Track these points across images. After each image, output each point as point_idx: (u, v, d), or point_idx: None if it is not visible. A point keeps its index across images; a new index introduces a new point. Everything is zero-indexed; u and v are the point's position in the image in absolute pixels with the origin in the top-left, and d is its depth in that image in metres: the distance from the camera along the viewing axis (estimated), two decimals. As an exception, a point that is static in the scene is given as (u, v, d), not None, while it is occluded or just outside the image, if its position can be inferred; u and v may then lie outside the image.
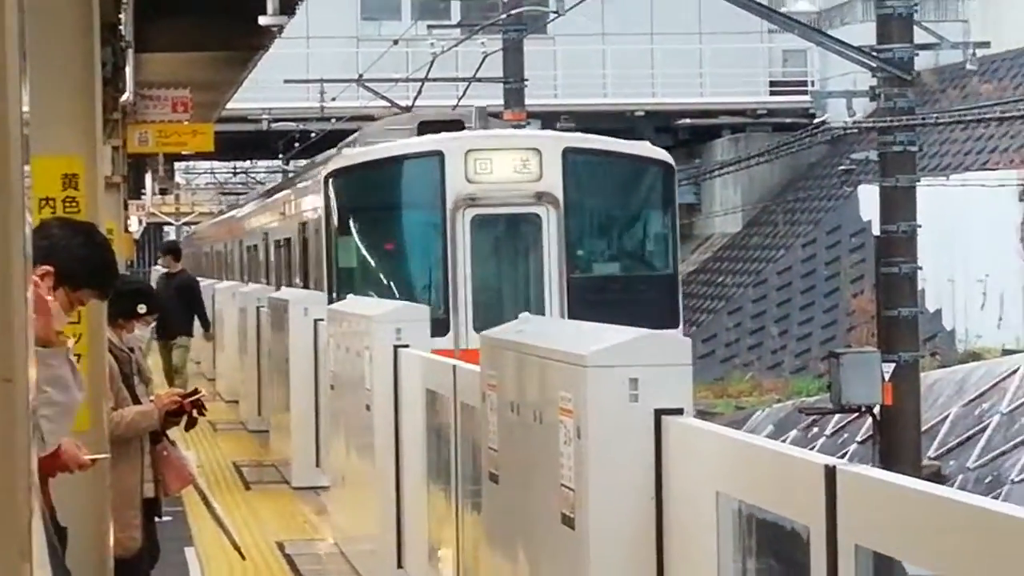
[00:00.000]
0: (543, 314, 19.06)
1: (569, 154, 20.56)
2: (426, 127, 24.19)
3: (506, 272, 21.35)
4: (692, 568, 6.87)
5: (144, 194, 41.20)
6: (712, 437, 7.02)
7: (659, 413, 7.06)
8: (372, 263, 21.92)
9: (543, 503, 7.86)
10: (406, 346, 13.17)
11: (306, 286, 24.40)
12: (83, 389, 6.98)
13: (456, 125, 25.18)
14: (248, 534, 14.00)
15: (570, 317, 18.91)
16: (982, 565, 4.65)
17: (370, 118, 35.91)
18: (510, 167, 20.19)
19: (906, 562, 5.41)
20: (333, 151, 31.22)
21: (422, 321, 14.58)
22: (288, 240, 28.51)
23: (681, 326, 22.46)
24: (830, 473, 5.48)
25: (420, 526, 12.75)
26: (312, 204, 24.61)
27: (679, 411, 7.09)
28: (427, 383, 12.51)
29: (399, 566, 13.06)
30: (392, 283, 21.09)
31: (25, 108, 3.61)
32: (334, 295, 19.52)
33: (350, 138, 29.61)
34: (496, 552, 9.11)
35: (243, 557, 12.00)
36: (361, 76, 39.79)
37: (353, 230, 21.59)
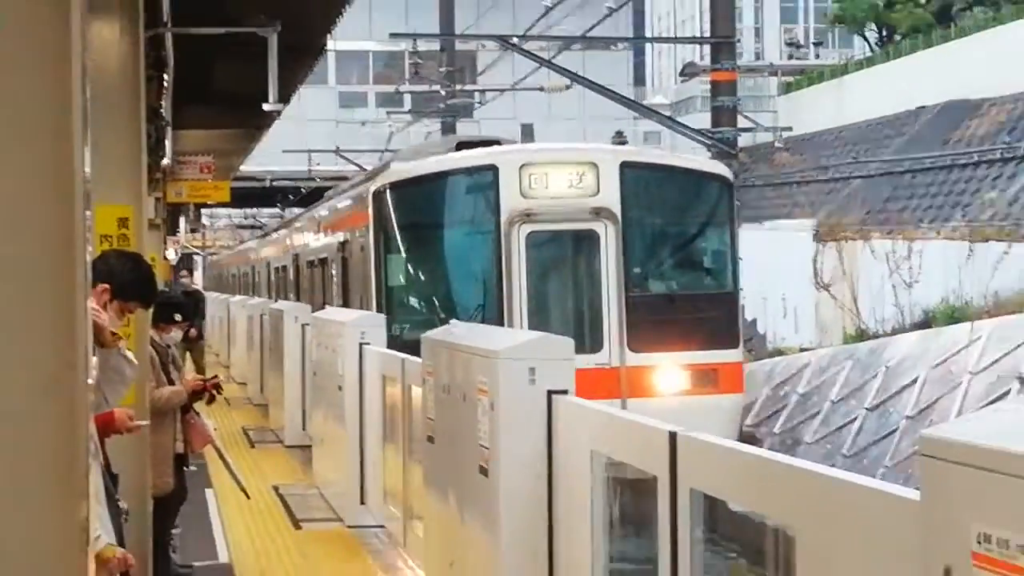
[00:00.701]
0: (601, 333, 14.61)
1: (626, 168, 15.05)
2: (464, 147, 17.93)
3: (562, 289, 15.48)
4: (573, 505, 6.86)
5: (178, 232, 41.16)
6: (588, 411, 7.02)
7: (550, 393, 7.07)
8: (423, 281, 15.93)
9: (466, 458, 7.86)
10: (368, 343, 13.08)
11: (346, 304, 18.34)
12: (133, 375, 7.04)
13: (494, 145, 19.09)
14: (252, 480, 13.98)
15: (629, 336, 14.44)
16: (775, 500, 4.81)
17: (344, 178, 35.50)
18: (565, 182, 14.80)
19: (727, 501, 5.56)
20: (350, 177, 26.57)
21: (380, 327, 13.94)
22: (324, 260, 22.05)
23: (741, 346, 16.93)
24: (672, 437, 5.55)
25: (377, 474, 12.74)
26: (355, 222, 17.81)
27: (564, 391, 7.10)
28: (383, 371, 12.45)
29: (362, 503, 13.01)
30: (444, 301, 15.45)
31: (87, 170, 3.59)
32: (384, 313, 14.62)
33: (386, 160, 22.85)
34: (432, 493, 9.11)
35: (248, 496, 11.99)
36: (338, 148, 39.83)
37: (403, 247, 15.61)
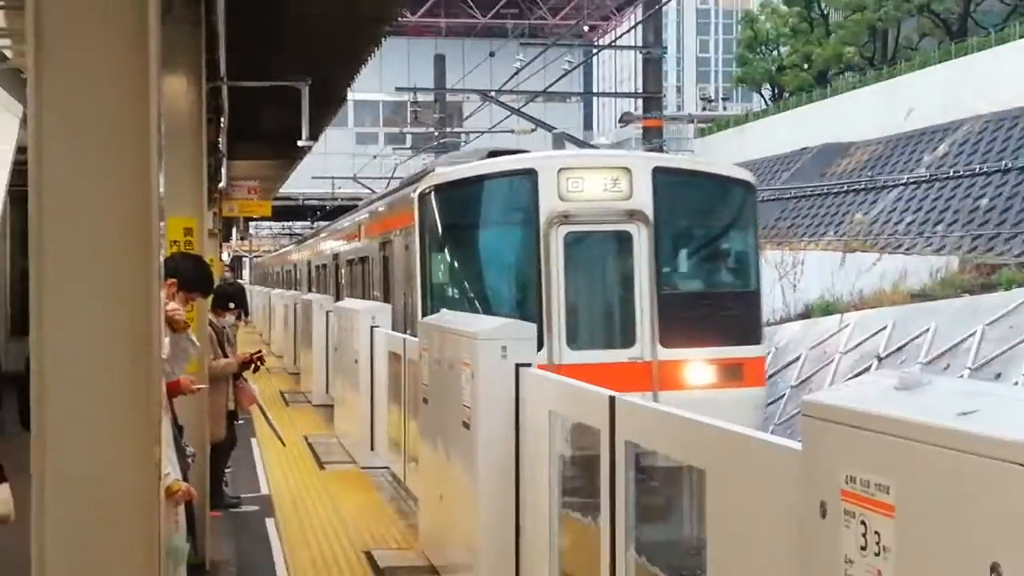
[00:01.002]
0: (634, 329, 12.48)
1: (658, 173, 12.81)
2: (494, 155, 15.23)
3: (597, 287, 13.18)
4: (535, 452, 6.80)
5: (231, 239, 40.97)
6: (547, 380, 6.95)
7: (518, 366, 7.01)
8: (466, 277, 13.49)
9: (453, 415, 7.75)
10: (377, 326, 12.98)
11: (386, 300, 15.67)
12: (195, 353, 7.04)
13: (525, 153, 16.41)
14: (287, 431, 13.92)
15: (660, 332, 12.45)
16: (691, 449, 4.70)
17: (359, 198, 35.26)
18: (601, 185, 12.55)
19: (654, 449, 5.42)
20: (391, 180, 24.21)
21: (385, 313, 13.63)
22: (363, 259, 19.22)
23: (764, 342, 14.54)
24: (612, 400, 5.46)
25: (384, 427, 12.65)
26: (397, 224, 15.17)
27: (528, 364, 7.04)
28: (390, 348, 12.30)
29: (372, 449, 12.95)
30: (486, 296, 13.13)
31: (162, 190, 3.61)
32: (428, 309, 12.35)
33: (422, 169, 18.85)
34: (425, 442, 9.03)
35: (283, 444, 11.92)
36: (355, 176, 39.60)
37: (447, 246, 13.27)
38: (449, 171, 13.27)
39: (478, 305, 12.45)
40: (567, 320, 12.20)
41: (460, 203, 13.31)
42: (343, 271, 23.31)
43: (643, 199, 12.43)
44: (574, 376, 7.36)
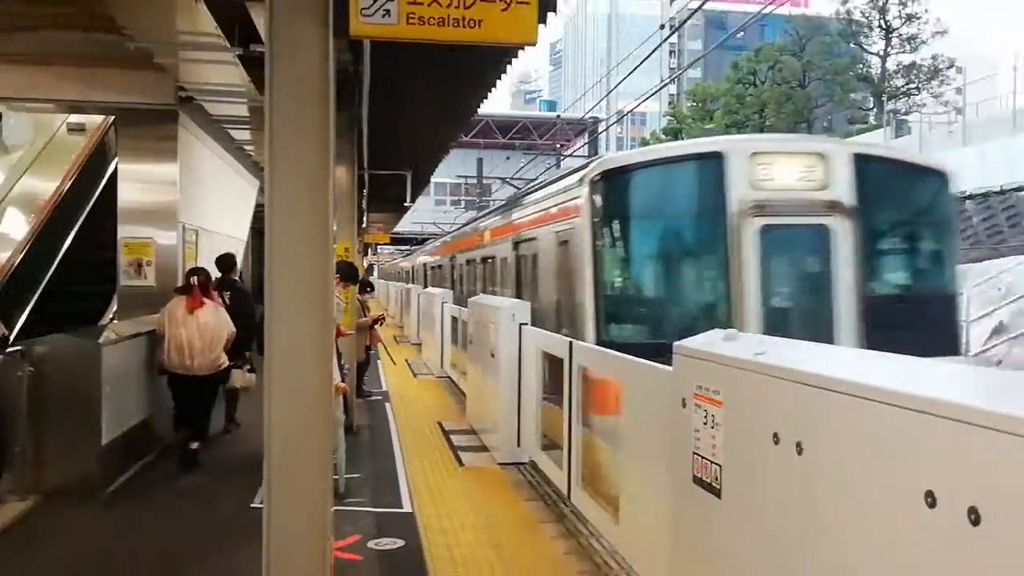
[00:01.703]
0: (832, 333, 6.85)
1: (859, 161, 7.11)
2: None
3: (794, 288, 7.15)
4: (529, 370, 6.64)
5: (368, 254, 41.07)
6: (536, 333, 6.61)
7: (520, 325, 6.82)
8: (644, 275, 7.08)
9: (485, 349, 7.50)
10: (446, 303, 12.59)
11: (518, 294, 9.47)
12: (341, 311, 7.53)
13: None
14: (397, 357, 14.30)
15: (864, 338, 6.87)
16: (613, 372, 4.65)
17: (436, 234, 32.56)
18: (795, 174, 7.00)
19: (593, 369, 5.06)
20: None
21: (448, 297, 12.69)
22: (490, 258, 12.29)
23: (962, 351, 8.15)
24: (570, 344, 5.36)
25: (448, 356, 12.28)
26: (553, 218, 8.24)
27: (526, 323, 6.80)
28: (451, 314, 11.84)
29: (441, 367, 12.55)
30: (666, 298, 7.00)
31: (334, 228, 3.90)
32: (600, 314, 6.76)
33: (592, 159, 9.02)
34: (471, 364, 8.66)
35: (394, 363, 12.44)
36: (435, 222, 39.38)
37: (625, 240, 6.94)
38: (624, 155, 7.85)
39: (656, 304, 7.31)
40: (764, 325, 7.18)
41: (637, 191, 7.82)
42: (476, 269, 15.23)
43: (843, 189, 7.48)
44: None
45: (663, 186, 7.25)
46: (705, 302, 6.99)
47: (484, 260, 12.38)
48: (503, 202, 15.38)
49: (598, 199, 7.01)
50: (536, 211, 8.81)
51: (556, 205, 7.94)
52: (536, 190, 10.00)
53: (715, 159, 7.04)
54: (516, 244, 9.69)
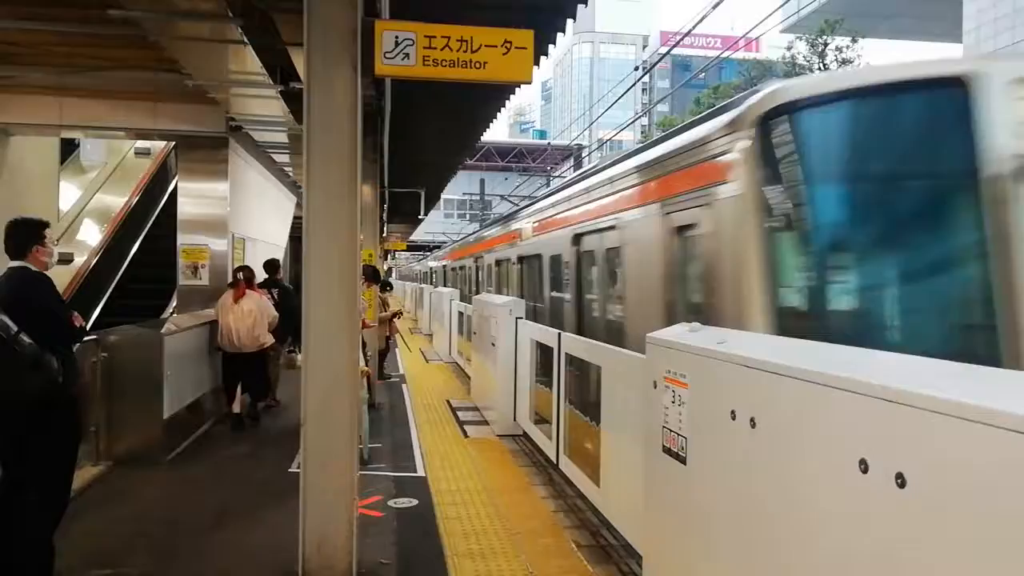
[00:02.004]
0: None
1: None
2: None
3: None
4: (523, 357, 6.52)
5: (387, 258, 40.96)
6: (529, 325, 6.46)
7: (516, 319, 6.77)
8: (865, 276, 2.14)
9: (486, 339, 7.42)
10: (453, 300, 12.44)
11: (578, 308, 5.80)
12: (364, 307, 7.23)
13: None
14: (412, 346, 14.31)
15: None
16: (596, 359, 4.53)
17: (444, 242, 31.71)
18: None
19: (580, 357, 4.97)
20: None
21: (456, 297, 12.28)
22: (537, 256, 7.40)
23: None
24: (559, 335, 5.31)
25: (456, 344, 11.96)
26: (668, 191, 3.41)
27: (521, 318, 6.72)
28: (459, 309, 11.67)
29: (449, 354, 12.30)
30: (889, 300, 2.16)
31: (360, 238, 3.59)
32: (773, 327, 2.46)
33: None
34: (475, 351, 8.53)
35: (410, 351, 12.20)
36: (444, 232, 39.40)
37: (814, 217, 2.02)
38: (808, 82, 3.07)
39: (875, 312, 2.93)
40: None
41: (831, 140, 2.95)
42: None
43: None
44: None
45: (876, 130, 3.09)
46: (956, 300, 3.08)
47: (522, 260, 8.34)
48: (555, 189, 8.48)
49: (777, 149, 3.08)
50: (614, 191, 5.14)
51: (663, 175, 4.14)
52: (610, 165, 5.77)
53: (956, 89, 2.98)
54: (577, 238, 5.98)
